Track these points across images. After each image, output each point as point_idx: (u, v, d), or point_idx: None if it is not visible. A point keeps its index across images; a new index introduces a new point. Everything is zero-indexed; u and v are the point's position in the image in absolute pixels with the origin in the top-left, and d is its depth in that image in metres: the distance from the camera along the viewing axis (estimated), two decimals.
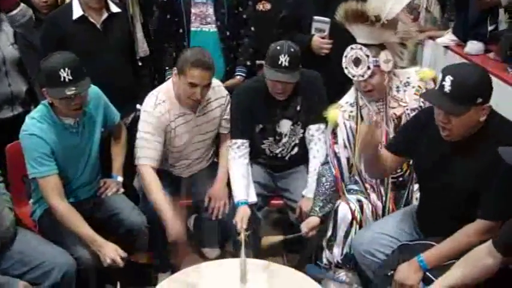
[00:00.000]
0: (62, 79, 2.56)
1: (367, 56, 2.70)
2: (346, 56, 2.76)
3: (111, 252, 2.63)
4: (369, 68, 2.70)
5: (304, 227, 2.83)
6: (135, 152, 3.01)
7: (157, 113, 2.97)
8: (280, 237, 2.87)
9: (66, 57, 2.63)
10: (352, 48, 2.75)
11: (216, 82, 3.12)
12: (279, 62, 2.86)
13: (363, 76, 2.73)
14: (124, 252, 2.66)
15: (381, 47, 2.75)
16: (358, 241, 2.66)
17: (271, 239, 2.81)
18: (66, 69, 2.56)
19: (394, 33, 2.77)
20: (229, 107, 3.17)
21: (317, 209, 2.86)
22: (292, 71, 2.90)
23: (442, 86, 2.22)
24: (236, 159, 3.10)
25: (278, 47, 2.90)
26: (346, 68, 2.76)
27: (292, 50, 2.89)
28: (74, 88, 2.58)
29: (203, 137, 3.15)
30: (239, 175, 3.05)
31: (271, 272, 2.60)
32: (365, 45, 2.72)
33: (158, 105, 2.98)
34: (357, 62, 2.72)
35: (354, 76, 2.75)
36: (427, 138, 2.45)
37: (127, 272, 2.74)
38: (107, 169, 3.10)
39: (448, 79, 2.19)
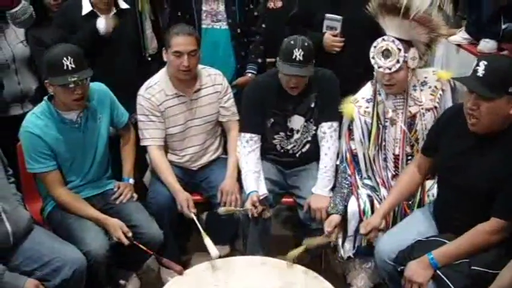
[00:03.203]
0: (65, 67, 2.61)
1: (399, 49, 2.70)
2: (375, 47, 2.75)
3: (117, 231, 2.72)
4: (398, 61, 2.70)
5: (327, 226, 2.82)
6: (139, 134, 3.17)
7: (147, 95, 3.08)
8: (302, 248, 2.76)
9: (68, 47, 2.70)
10: (383, 39, 2.75)
11: (214, 71, 3.21)
12: (293, 57, 2.85)
13: (390, 69, 2.72)
14: (129, 230, 2.74)
15: (409, 43, 2.75)
16: (382, 248, 2.62)
17: (295, 252, 2.74)
18: (69, 57, 2.62)
19: (425, 33, 2.77)
20: (227, 96, 3.22)
21: (337, 206, 2.87)
22: (306, 65, 2.89)
23: (475, 71, 2.22)
24: (246, 155, 3.09)
25: (292, 42, 2.88)
26: (373, 58, 2.75)
27: (306, 44, 2.88)
28: (76, 75, 2.62)
29: (200, 121, 3.18)
30: (250, 171, 3.05)
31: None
32: (396, 39, 2.72)
33: (150, 87, 3.09)
34: (387, 53, 2.71)
35: (380, 67, 2.74)
36: (451, 134, 2.45)
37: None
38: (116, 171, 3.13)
39: (482, 64, 2.20)
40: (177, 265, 2.67)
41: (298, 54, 2.85)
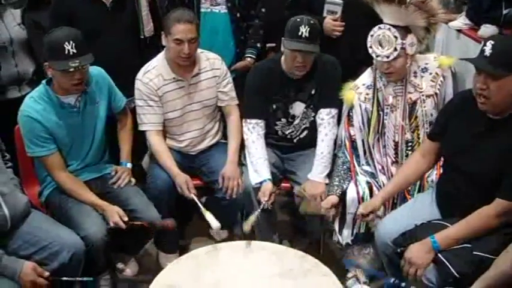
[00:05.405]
0: (67, 52, 2.59)
1: (396, 37, 2.68)
2: (372, 35, 2.73)
3: (114, 216, 2.72)
4: (395, 49, 2.68)
5: (324, 205, 2.83)
6: (137, 119, 3.15)
7: (145, 80, 3.06)
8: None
9: (71, 31, 2.68)
10: (380, 27, 2.72)
11: (213, 55, 3.19)
12: (299, 33, 2.84)
13: (388, 57, 2.70)
14: (125, 215, 2.75)
15: (407, 29, 2.73)
16: (384, 231, 2.62)
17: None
18: (71, 42, 2.60)
19: (422, 17, 2.74)
20: (226, 80, 3.19)
21: (335, 188, 2.87)
22: (313, 42, 2.88)
23: (482, 51, 2.23)
24: (254, 141, 3.08)
25: (298, 19, 2.88)
26: (370, 47, 2.74)
27: (312, 22, 2.88)
28: (77, 61, 2.61)
29: (198, 105, 3.16)
30: (260, 158, 3.05)
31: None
32: (393, 26, 2.69)
33: (148, 72, 3.07)
34: (383, 42, 2.69)
35: (378, 56, 2.73)
36: (460, 119, 2.45)
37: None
38: (114, 155, 3.12)
39: (489, 43, 2.21)
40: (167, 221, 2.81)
41: (304, 30, 2.84)
